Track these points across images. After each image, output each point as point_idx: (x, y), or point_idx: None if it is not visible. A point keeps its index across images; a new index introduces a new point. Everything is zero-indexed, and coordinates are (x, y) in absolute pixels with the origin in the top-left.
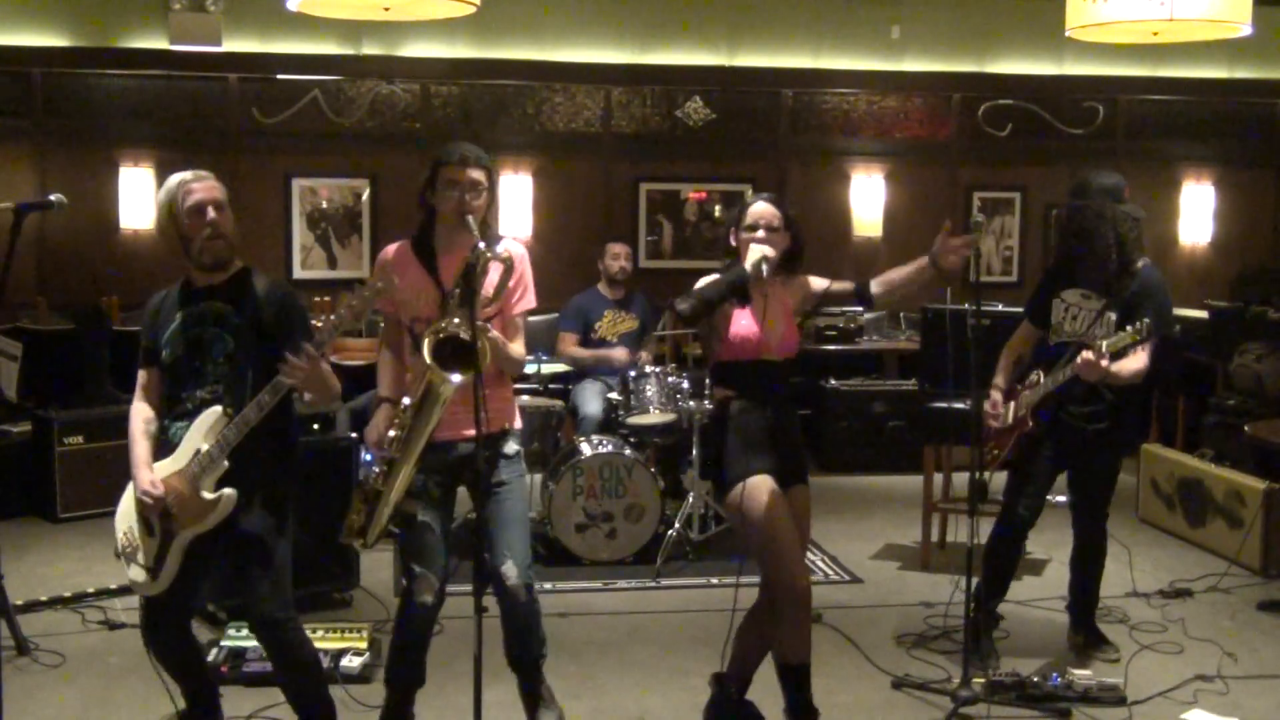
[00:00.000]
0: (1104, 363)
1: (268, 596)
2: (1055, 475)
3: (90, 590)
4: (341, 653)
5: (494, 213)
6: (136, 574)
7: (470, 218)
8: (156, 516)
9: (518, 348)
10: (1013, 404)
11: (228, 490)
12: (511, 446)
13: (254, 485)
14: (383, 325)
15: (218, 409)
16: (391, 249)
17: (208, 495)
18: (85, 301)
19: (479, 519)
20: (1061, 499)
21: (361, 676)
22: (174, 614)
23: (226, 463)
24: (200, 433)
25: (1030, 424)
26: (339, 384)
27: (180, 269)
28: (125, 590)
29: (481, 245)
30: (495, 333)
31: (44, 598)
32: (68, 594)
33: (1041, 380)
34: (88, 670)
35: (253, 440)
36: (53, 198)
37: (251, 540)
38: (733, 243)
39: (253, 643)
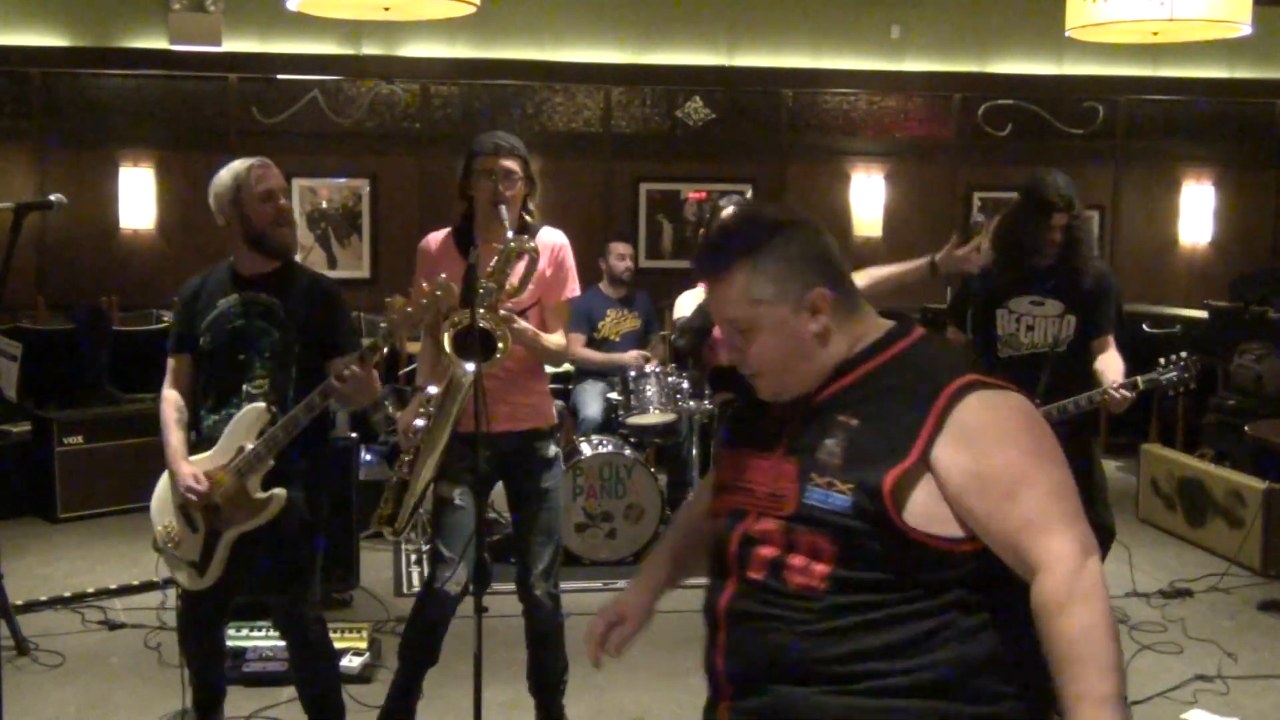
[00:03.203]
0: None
1: (301, 593)
2: None
3: (90, 590)
4: (341, 653)
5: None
6: (180, 569)
7: (503, 207)
8: (200, 511)
9: (556, 337)
10: None
11: (279, 490)
12: (551, 449)
13: (294, 483)
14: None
15: (260, 405)
16: (434, 238)
17: (258, 494)
18: (85, 301)
19: (516, 525)
20: None
21: (361, 676)
22: (214, 610)
23: (272, 461)
24: (242, 428)
25: None
26: (380, 386)
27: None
28: (125, 590)
29: (510, 235)
30: (522, 323)
31: (44, 598)
32: (68, 594)
33: (1042, 407)
34: (88, 670)
35: (294, 439)
36: (53, 198)
37: (290, 538)
38: None
39: (253, 643)
